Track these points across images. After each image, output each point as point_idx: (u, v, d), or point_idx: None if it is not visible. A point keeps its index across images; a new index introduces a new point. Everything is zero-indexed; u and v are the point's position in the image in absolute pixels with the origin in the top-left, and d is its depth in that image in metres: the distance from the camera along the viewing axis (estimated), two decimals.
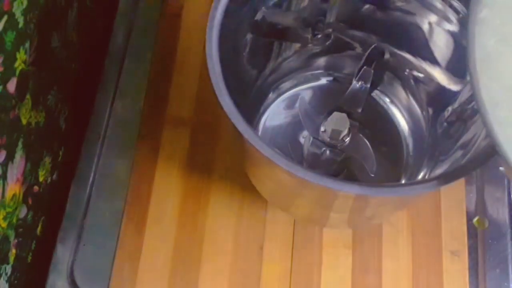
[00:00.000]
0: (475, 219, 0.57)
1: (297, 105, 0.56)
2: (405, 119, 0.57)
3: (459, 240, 0.56)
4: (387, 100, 0.58)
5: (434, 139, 0.52)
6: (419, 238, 0.56)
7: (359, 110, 0.52)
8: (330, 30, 0.54)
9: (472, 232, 0.57)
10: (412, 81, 0.54)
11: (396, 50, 0.53)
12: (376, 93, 0.58)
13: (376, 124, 0.57)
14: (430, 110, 0.54)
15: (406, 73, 0.54)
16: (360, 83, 0.53)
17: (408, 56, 0.53)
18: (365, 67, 0.53)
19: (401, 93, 0.56)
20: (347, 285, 0.55)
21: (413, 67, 0.53)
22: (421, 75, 0.53)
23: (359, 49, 0.55)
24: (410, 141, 0.57)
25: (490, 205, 0.58)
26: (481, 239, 0.57)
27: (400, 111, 0.57)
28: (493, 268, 0.55)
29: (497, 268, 0.55)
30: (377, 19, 0.52)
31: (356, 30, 0.54)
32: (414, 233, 0.57)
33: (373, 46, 0.54)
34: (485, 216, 0.57)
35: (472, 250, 0.56)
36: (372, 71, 0.54)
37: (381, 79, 0.56)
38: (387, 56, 0.54)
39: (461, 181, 0.37)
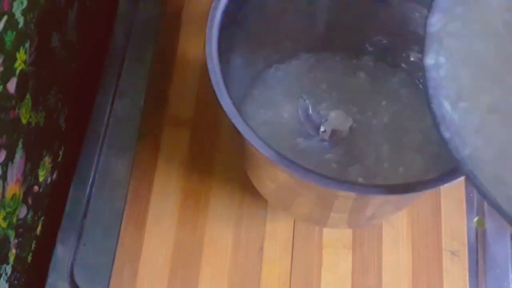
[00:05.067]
0: (475, 219, 0.57)
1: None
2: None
3: (459, 240, 0.56)
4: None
5: None
6: (419, 238, 0.56)
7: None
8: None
9: (472, 232, 0.57)
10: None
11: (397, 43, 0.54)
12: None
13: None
14: None
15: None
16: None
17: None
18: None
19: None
20: (347, 285, 0.55)
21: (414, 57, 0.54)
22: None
23: (358, 43, 0.56)
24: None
25: None
26: (481, 239, 0.57)
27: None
28: (493, 268, 0.55)
29: (497, 268, 0.55)
30: (378, 14, 0.52)
31: (356, 24, 0.54)
32: (414, 233, 0.57)
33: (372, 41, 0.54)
34: (485, 216, 0.57)
35: (472, 250, 0.56)
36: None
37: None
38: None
39: (461, 181, 0.37)
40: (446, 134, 0.34)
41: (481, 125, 0.34)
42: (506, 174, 0.33)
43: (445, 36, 0.36)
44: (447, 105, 0.35)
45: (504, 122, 0.34)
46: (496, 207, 0.32)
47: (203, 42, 0.41)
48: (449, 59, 0.36)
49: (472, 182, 0.34)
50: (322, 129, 0.50)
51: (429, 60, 0.36)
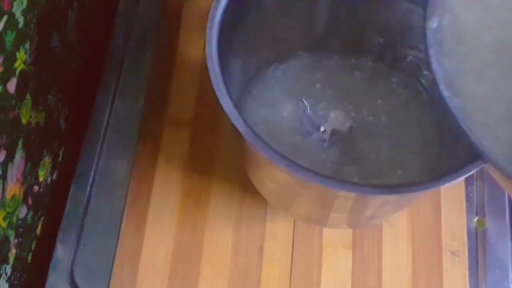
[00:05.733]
0: (475, 219, 0.57)
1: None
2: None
3: (459, 240, 0.56)
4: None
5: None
6: (419, 238, 0.56)
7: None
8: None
9: (472, 232, 0.57)
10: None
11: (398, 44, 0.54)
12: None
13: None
14: None
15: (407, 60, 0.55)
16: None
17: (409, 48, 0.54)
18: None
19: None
20: (347, 285, 0.55)
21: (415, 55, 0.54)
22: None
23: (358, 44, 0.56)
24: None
25: (490, 205, 0.58)
26: (481, 239, 0.57)
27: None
28: (493, 268, 0.55)
29: (497, 268, 0.55)
30: (377, 14, 0.52)
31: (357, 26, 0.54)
32: (414, 233, 0.57)
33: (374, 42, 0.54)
34: (485, 216, 0.57)
35: (472, 250, 0.56)
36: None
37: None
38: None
39: (461, 181, 0.37)
40: (445, 93, 0.35)
41: (478, 66, 0.35)
42: (495, 113, 0.34)
43: None
44: (447, 63, 0.35)
45: (501, 62, 0.35)
46: (493, 162, 0.33)
47: (203, 42, 0.41)
48: (449, 16, 0.36)
49: (466, 133, 0.34)
50: (322, 129, 0.50)
51: (432, 24, 0.36)
